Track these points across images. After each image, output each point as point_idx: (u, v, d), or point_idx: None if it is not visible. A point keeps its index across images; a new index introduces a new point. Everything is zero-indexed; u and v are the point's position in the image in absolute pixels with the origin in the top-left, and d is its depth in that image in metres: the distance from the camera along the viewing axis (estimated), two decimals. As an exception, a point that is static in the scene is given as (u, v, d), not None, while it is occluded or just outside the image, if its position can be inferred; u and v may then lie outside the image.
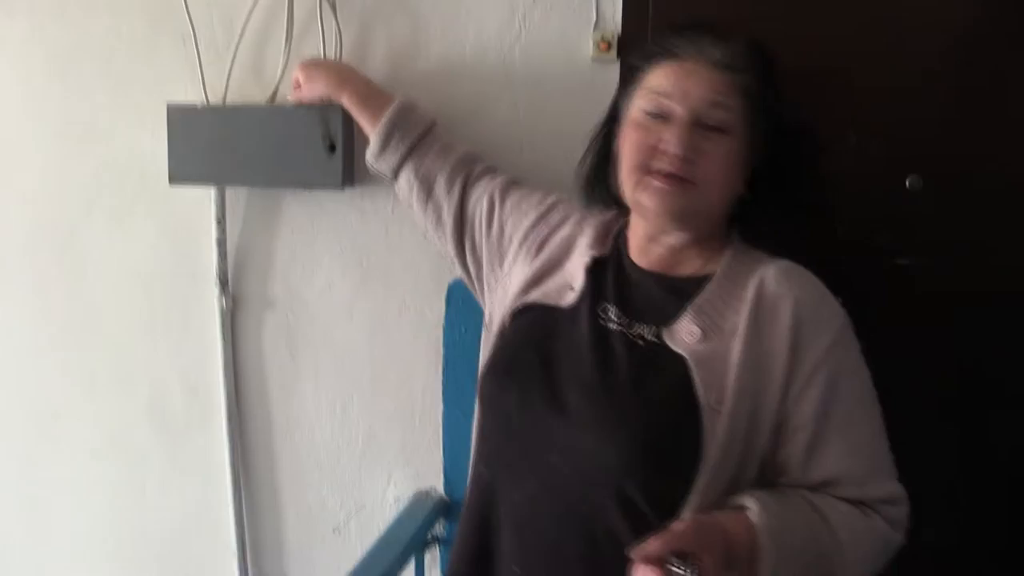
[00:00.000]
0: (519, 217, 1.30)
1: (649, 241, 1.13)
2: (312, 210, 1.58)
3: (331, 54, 1.51)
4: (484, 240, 1.32)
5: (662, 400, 0.99)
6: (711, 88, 1.05)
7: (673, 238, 1.11)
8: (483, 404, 1.17)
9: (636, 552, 0.84)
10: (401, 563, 1.39)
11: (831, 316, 1.04)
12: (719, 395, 0.97)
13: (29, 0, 1.66)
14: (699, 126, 1.05)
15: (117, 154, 1.66)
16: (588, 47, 1.44)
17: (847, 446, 1.00)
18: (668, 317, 1.06)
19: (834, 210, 1.37)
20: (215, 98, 1.57)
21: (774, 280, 1.05)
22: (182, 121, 1.54)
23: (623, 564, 0.85)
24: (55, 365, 1.76)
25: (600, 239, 1.20)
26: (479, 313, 1.37)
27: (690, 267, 1.12)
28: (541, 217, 1.28)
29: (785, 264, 1.09)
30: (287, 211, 1.60)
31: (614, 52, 1.42)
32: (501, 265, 1.30)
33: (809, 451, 0.99)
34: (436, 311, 1.54)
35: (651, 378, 1.01)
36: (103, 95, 1.66)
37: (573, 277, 1.17)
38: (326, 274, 1.59)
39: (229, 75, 1.56)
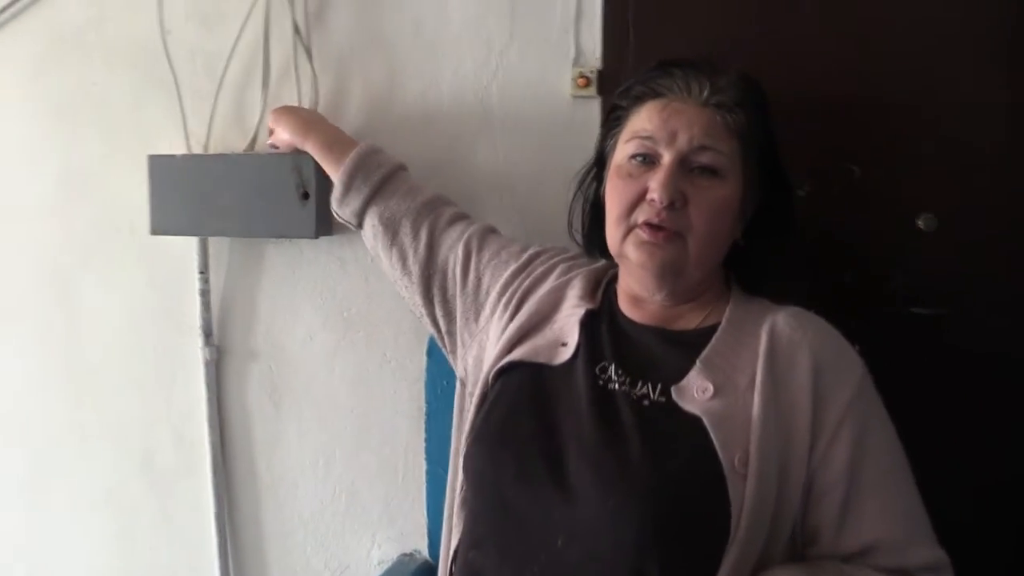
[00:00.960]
0: (498, 268, 1.20)
1: (636, 299, 1.05)
2: (292, 259, 1.55)
3: (307, 100, 1.47)
4: (459, 291, 1.23)
5: (680, 467, 0.88)
6: (700, 128, 0.95)
7: (662, 298, 1.02)
8: (471, 479, 1.04)
9: None
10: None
11: (851, 365, 0.95)
12: (743, 456, 0.87)
13: (29, 50, 1.68)
14: (688, 170, 0.95)
15: (110, 204, 1.66)
16: (567, 84, 1.36)
17: (882, 508, 0.89)
18: (675, 374, 0.95)
19: (840, 255, 1.25)
20: (198, 147, 1.55)
21: (787, 327, 0.95)
22: (163, 171, 1.53)
23: None
24: (52, 415, 1.77)
25: (590, 291, 1.11)
26: (461, 367, 1.29)
27: (691, 320, 1.02)
28: (522, 269, 1.19)
29: (795, 310, 1.00)
30: (268, 261, 1.56)
31: (594, 88, 1.34)
32: (477, 319, 1.21)
33: (841, 516, 0.88)
34: (417, 363, 1.47)
35: (664, 443, 0.90)
36: (98, 145, 1.66)
37: (565, 332, 1.06)
38: (307, 325, 1.55)
39: (211, 124, 1.54)
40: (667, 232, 0.94)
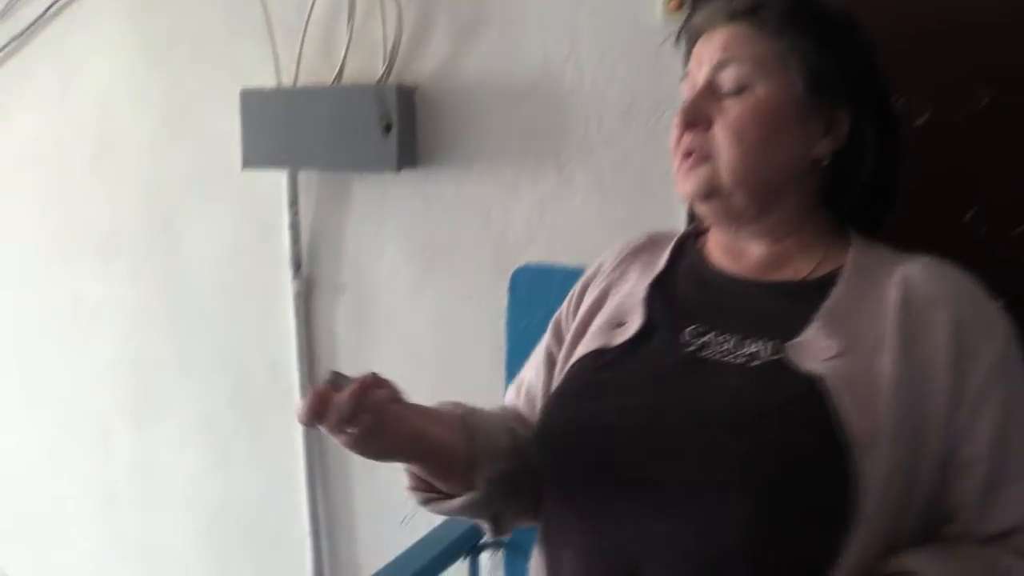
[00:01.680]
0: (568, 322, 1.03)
1: (731, 247, 0.93)
2: (378, 194, 1.54)
3: (391, 33, 1.45)
4: None
5: (798, 438, 0.75)
6: (720, 44, 0.86)
7: (749, 238, 0.90)
8: (550, 479, 0.91)
9: None
10: (445, 563, 1.32)
11: (996, 323, 0.81)
12: (871, 425, 0.74)
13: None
14: (717, 98, 0.86)
15: (207, 140, 1.71)
16: (658, 6, 1.27)
17: (1015, 478, 0.77)
18: (788, 330, 0.81)
19: (964, 192, 1.13)
20: (288, 81, 1.56)
21: (922, 279, 0.82)
22: (254, 105, 1.55)
23: None
24: (156, 344, 1.86)
25: (651, 263, 0.98)
26: (545, 304, 1.24)
27: (801, 268, 0.88)
28: (579, 303, 1.03)
29: (930, 260, 0.86)
30: (355, 195, 1.57)
31: (686, 10, 1.25)
32: None
33: (985, 493, 0.77)
34: (499, 301, 1.44)
35: (775, 409, 0.77)
36: (194, 82, 1.71)
37: (623, 312, 0.93)
38: (391, 259, 1.55)
39: (299, 57, 1.54)
40: (693, 157, 0.86)
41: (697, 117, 0.86)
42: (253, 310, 1.71)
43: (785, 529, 0.74)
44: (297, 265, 1.62)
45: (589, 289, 1.01)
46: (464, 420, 0.91)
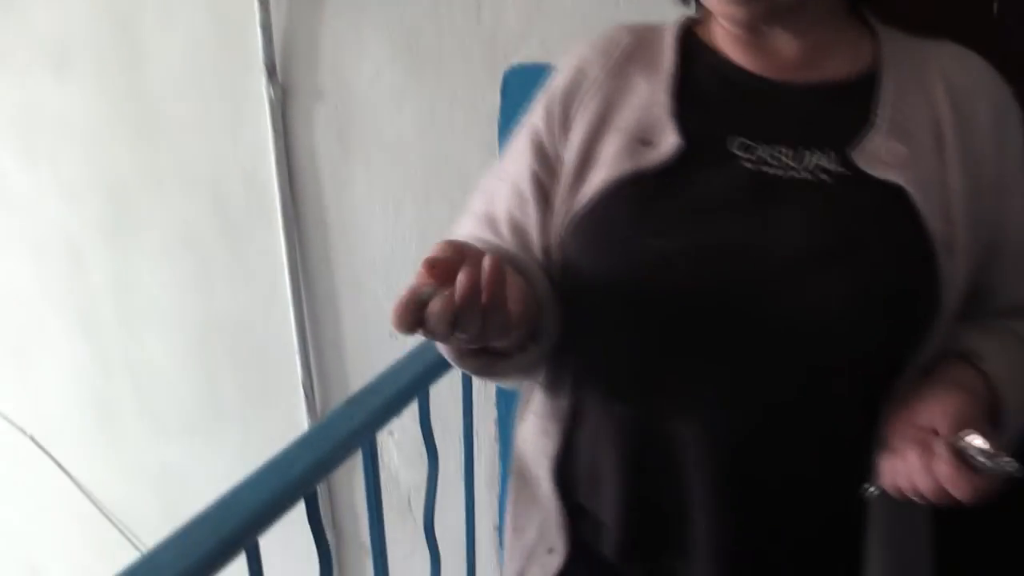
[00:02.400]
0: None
1: (755, 43, 0.79)
2: (357, -15, 1.42)
3: None
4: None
5: (888, 248, 0.71)
6: None
7: (777, 34, 0.78)
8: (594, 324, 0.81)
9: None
10: (436, 374, 1.31)
11: (1018, 109, 0.79)
12: (949, 227, 0.72)
13: None
14: None
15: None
16: None
17: None
18: (847, 135, 0.75)
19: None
20: None
21: (959, 70, 0.78)
22: None
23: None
24: (126, 159, 1.77)
25: (653, 64, 0.83)
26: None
27: (837, 65, 0.79)
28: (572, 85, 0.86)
29: (957, 50, 0.81)
30: (332, -13, 1.44)
31: None
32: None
33: (1015, 269, 0.78)
34: (490, 102, 1.37)
35: (863, 224, 0.72)
36: None
37: (652, 128, 0.79)
38: (374, 60, 1.45)
39: None
40: None
41: None
42: (226, 121, 1.62)
43: (878, 335, 0.73)
44: (271, 70, 1.51)
45: (578, 103, 0.84)
46: (519, 265, 0.78)
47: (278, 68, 1.52)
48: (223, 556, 0.90)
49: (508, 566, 0.97)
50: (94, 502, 2.21)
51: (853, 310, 0.70)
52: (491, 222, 0.86)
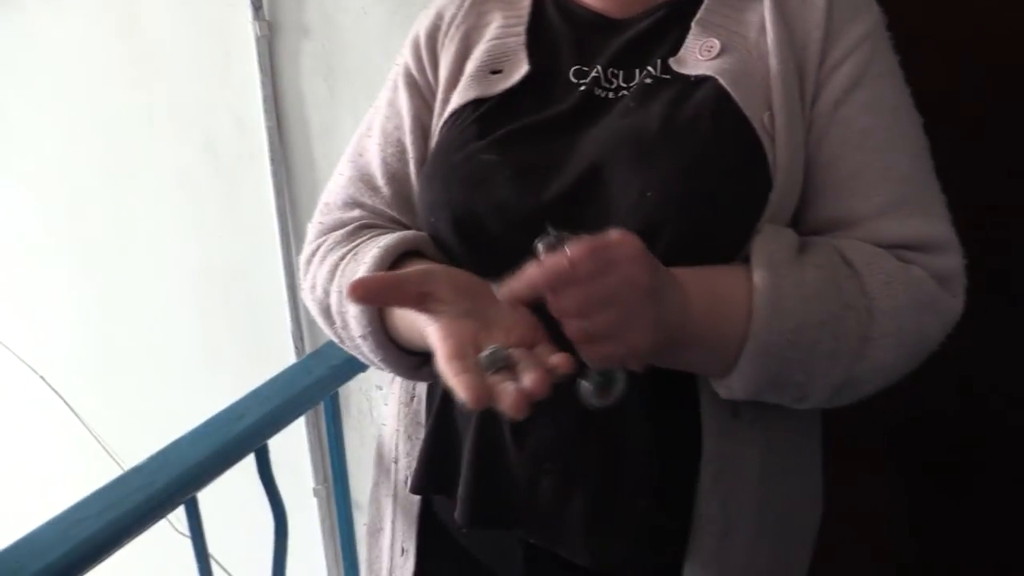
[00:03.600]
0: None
1: None
2: (342, -86, 1.34)
3: None
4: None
5: (708, 135, 0.70)
6: None
7: None
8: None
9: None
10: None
11: (867, 5, 0.76)
12: (769, 114, 0.71)
13: None
14: None
15: None
16: None
17: (867, 165, 0.71)
18: (672, 48, 0.76)
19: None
20: None
21: None
22: None
23: None
24: (120, 100, 1.74)
25: (510, 2, 0.85)
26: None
27: None
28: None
29: None
30: (317, -82, 1.36)
31: None
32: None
33: (842, 182, 0.72)
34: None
35: (684, 115, 0.71)
36: None
37: (503, 58, 0.81)
38: (361, -2, 1.37)
39: None
40: None
41: None
42: (215, 59, 1.56)
43: (712, 223, 0.70)
44: (257, 5, 1.45)
45: (443, 39, 0.85)
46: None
47: (264, 3, 1.45)
48: (158, 511, 0.88)
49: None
50: (101, 443, 2.24)
51: (669, 194, 0.68)
52: (367, 181, 0.85)
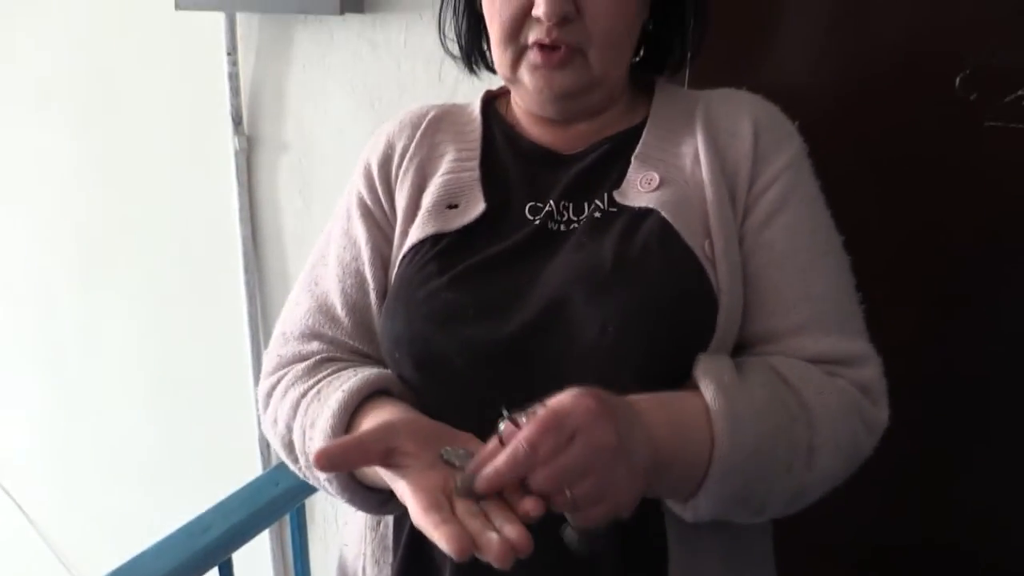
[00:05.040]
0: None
1: (553, 125, 0.86)
2: (322, 41, 1.42)
3: None
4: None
5: (658, 265, 0.74)
6: None
7: (577, 117, 0.85)
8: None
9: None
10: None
11: (790, 134, 0.83)
12: (709, 241, 0.76)
13: None
14: None
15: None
16: None
17: (788, 285, 0.76)
18: (616, 181, 0.81)
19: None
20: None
21: (723, 100, 0.84)
22: (185, -63, 1.40)
23: None
24: (97, 203, 1.77)
25: (461, 135, 0.88)
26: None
27: (619, 123, 0.86)
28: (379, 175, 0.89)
29: (728, 90, 0.87)
30: (297, 43, 1.44)
31: None
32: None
33: (766, 297, 0.76)
34: (450, 161, 1.35)
35: (633, 246, 0.75)
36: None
37: (459, 193, 0.83)
38: (337, 116, 1.44)
39: None
40: (564, 51, 0.77)
41: (570, 9, 0.75)
42: (193, 171, 1.61)
43: (666, 348, 0.73)
44: (237, 121, 1.51)
45: (397, 170, 0.87)
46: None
47: (244, 119, 1.51)
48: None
49: None
50: (55, 552, 2.17)
51: (623, 335, 0.70)
52: (326, 312, 0.84)
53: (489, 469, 0.56)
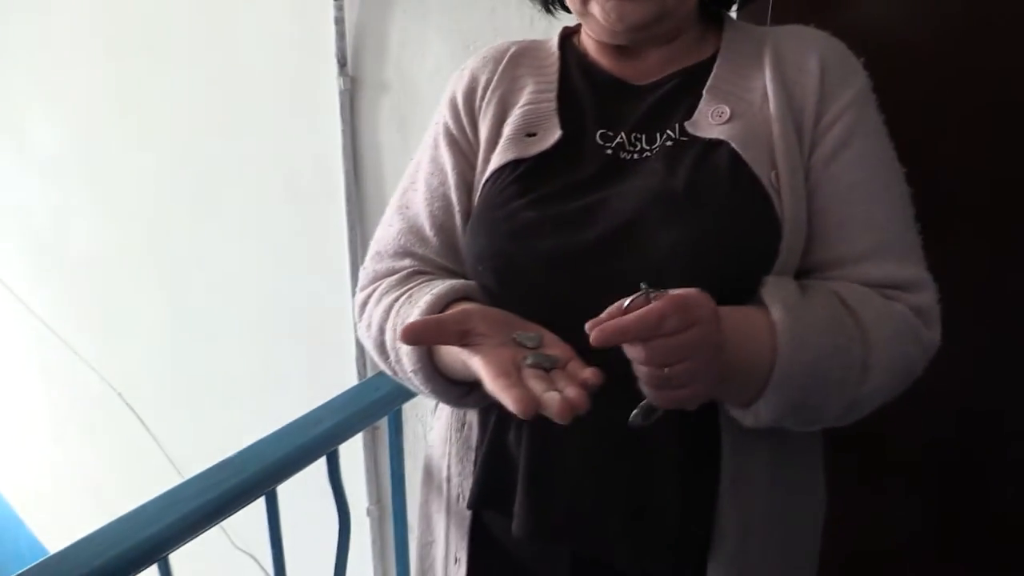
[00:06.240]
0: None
1: (625, 56, 0.90)
2: (422, -13, 1.51)
3: None
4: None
5: (727, 193, 0.79)
6: None
7: (649, 44, 0.88)
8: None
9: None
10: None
11: (856, 70, 0.86)
12: (776, 173, 0.80)
13: None
14: None
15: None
16: None
17: (852, 217, 0.81)
18: (687, 113, 0.85)
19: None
20: None
21: (791, 37, 0.88)
22: None
23: None
24: (212, 142, 1.92)
25: (541, 69, 0.93)
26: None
27: (690, 55, 0.90)
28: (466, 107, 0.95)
29: (792, 26, 0.91)
30: (400, -12, 1.54)
31: None
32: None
33: (832, 229, 0.82)
34: (541, 102, 1.43)
35: (703, 175, 0.80)
36: None
37: (538, 122, 0.89)
38: (435, 57, 1.53)
39: None
40: None
41: None
42: (300, 109, 1.74)
43: (732, 269, 0.78)
44: (342, 63, 1.62)
45: (480, 101, 0.93)
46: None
47: (349, 61, 1.62)
48: (245, 497, 1.00)
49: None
50: (169, 458, 2.39)
51: (694, 256, 0.76)
52: (416, 232, 0.92)
53: (613, 323, 0.63)
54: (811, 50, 0.85)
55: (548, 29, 1.39)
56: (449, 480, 0.98)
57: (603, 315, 0.65)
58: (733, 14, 0.94)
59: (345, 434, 1.13)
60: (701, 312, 0.66)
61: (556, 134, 0.86)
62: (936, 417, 1.17)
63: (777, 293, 0.76)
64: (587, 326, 0.63)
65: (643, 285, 0.65)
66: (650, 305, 0.64)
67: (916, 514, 1.30)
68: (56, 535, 2.85)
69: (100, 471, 2.76)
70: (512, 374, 0.65)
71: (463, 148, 0.93)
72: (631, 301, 0.65)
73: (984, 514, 1.24)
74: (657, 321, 0.63)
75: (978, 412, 1.20)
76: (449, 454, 0.98)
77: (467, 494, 0.93)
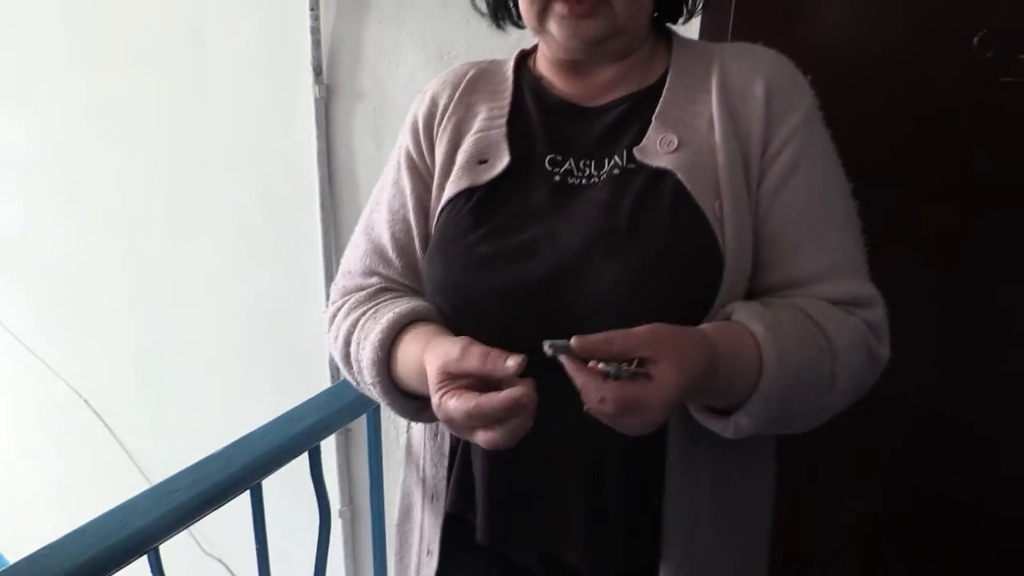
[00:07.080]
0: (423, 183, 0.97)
1: (577, 75, 0.91)
2: (397, -1, 1.55)
3: None
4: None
5: (668, 224, 0.81)
6: None
7: (600, 63, 0.89)
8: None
9: (575, 341, 0.69)
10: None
11: (803, 92, 0.87)
12: (719, 203, 0.82)
13: None
14: None
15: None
16: None
17: (806, 239, 0.83)
18: (636, 138, 0.86)
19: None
20: None
21: (736, 61, 0.88)
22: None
23: None
24: (187, 148, 1.94)
25: (494, 94, 0.95)
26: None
27: (638, 79, 0.90)
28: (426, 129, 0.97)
29: (742, 45, 0.91)
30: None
31: None
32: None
33: (787, 252, 0.84)
34: (511, 110, 1.48)
35: (646, 204, 0.82)
36: None
37: (488, 149, 0.91)
38: (410, 67, 1.58)
39: None
40: (590, 1, 0.82)
41: None
42: (276, 116, 1.77)
43: (671, 301, 0.80)
44: (318, 71, 1.66)
45: (437, 127, 0.95)
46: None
47: (324, 70, 1.66)
48: (233, 490, 1.03)
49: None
50: (137, 464, 2.38)
51: (635, 291, 0.79)
52: (380, 253, 0.96)
53: (587, 337, 0.68)
54: (757, 75, 0.86)
55: (520, 40, 1.44)
56: (424, 481, 1.02)
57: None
58: (680, 31, 0.95)
59: (327, 430, 1.17)
60: (663, 350, 0.69)
61: (505, 160, 0.88)
62: (886, 420, 1.24)
63: (751, 312, 0.79)
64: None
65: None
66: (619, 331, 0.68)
67: (866, 515, 1.37)
68: (17, 546, 2.82)
69: (66, 477, 2.73)
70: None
71: (422, 173, 0.95)
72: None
73: (933, 514, 1.31)
74: (621, 346, 0.68)
75: (925, 414, 1.27)
76: (424, 458, 1.02)
77: (441, 495, 0.96)
